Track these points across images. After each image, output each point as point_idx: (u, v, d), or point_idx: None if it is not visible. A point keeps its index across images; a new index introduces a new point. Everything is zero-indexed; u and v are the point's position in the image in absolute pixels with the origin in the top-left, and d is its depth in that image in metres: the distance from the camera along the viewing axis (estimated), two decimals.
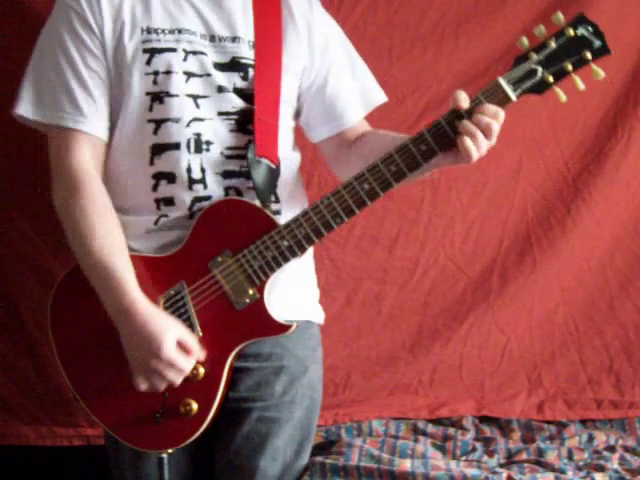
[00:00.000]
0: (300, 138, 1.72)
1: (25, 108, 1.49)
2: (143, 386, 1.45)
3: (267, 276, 1.47)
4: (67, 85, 1.47)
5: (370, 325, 2.13)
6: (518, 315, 2.16)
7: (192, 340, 1.45)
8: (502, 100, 1.40)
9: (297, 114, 1.65)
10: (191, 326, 1.47)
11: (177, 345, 1.43)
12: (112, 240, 1.46)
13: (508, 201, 2.15)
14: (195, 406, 1.47)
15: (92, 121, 1.48)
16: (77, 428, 1.99)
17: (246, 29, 1.55)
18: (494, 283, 2.15)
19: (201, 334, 1.47)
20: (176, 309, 1.47)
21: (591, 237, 2.16)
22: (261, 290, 1.47)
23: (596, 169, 2.14)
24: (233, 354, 1.48)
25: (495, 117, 1.39)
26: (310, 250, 1.67)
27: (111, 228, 1.47)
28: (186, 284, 1.48)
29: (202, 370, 1.47)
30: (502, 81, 1.40)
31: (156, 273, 1.48)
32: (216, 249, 1.47)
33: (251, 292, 1.47)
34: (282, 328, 1.48)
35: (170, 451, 1.50)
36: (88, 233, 1.45)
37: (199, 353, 1.45)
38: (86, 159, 1.48)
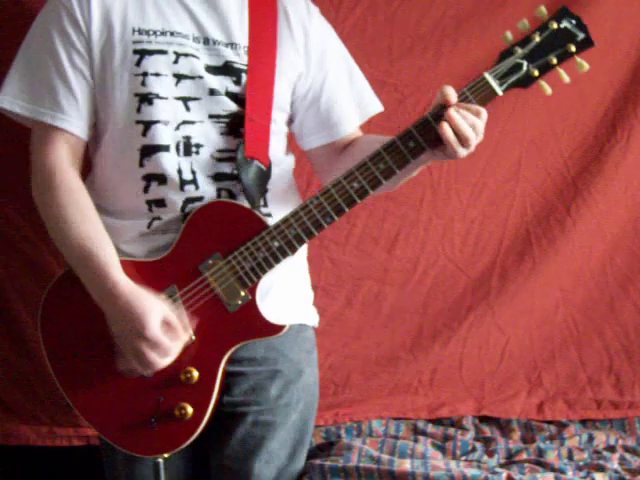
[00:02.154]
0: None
1: (7, 100, 1.48)
2: (123, 367, 1.45)
3: (258, 277, 1.46)
4: (50, 81, 1.47)
5: (370, 325, 2.13)
6: (518, 315, 2.16)
7: (177, 320, 1.43)
8: (488, 95, 1.41)
9: (290, 120, 1.64)
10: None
11: (163, 325, 1.41)
12: (90, 226, 1.46)
13: (508, 201, 2.15)
14: (190, 410, 1.46)
15: (71, 119, 1.48)
16: (77, 428, 1.98)
17: (242, 34, 1.54)
18: (494, 283, 2.15)
19: (194, 338, 1.47)
20: None
21: (591, 237, 2.16)
22: (253, 291, 1.47)
23: (596, 169, 2.14)
24: (227, 357, 1.48)
25: (478, 115, 1.40)
26: (303, 252, 1.67)
27: (88, 215, 1.47)
28: (177, 288, 1.47)
29: (196, 373, 1.47)
30: (488, 76, 1.41)
31: (147, 277, 1.47)
32: (206, 252, 1.47)
33: (243, 294, 1.47)
34: (275, 329, 1.48)
35: (166, 456, 1.49)
36: (66, 222, 1.45)
37: (184, 334, 1.44)
38: (63, 156, 1.48)
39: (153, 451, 1.49)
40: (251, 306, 1.47)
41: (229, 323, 1.47)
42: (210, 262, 1.47)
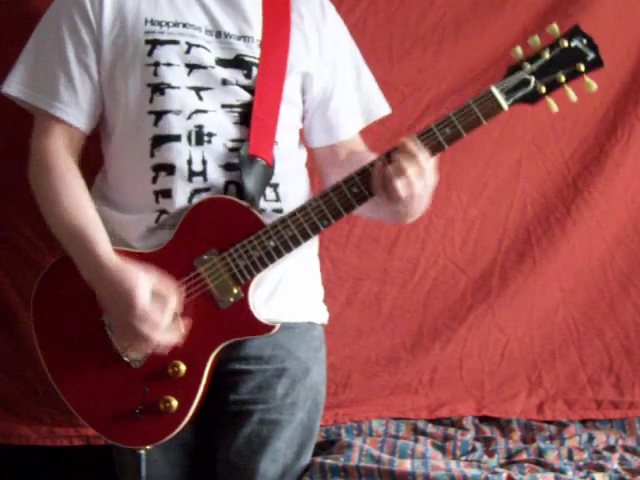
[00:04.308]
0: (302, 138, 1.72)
1: (11, 85, 1.52)
2: (124, 344, 1.45)
3: (252, 276, 1.47)
4: (53, 71, 1.50)
5: (370, 325, 2.13)
6: (518, 315, 2.16)
7: (166, 287, 1.43)
8: (493, 109, 1.41)
9: (302, 118, 1.66)
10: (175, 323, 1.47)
11: (153, 297, 1.41)
12: (80, 206, 1.48)
13: (508, 201, 2.14)
14: (175, 403, 1.47)
15: (68, 109, 1.50)
16: (77, 428, 1.98)
17: (255, 28, 1.55)
18: (494, 283, 2.15)
19: (184, 331, 1.47)
20: None
21: (591, 237, 2.15)
22: (245, 289, 1.47)
23: (596, 169, 2.14)
24: (215, 352, 1.48)
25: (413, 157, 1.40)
26: (314, 249, 1.68)
27: (78, 196, 1.49)
28: None
29: (183, 367, 1.47)
30: (495, 90, 1.41)
31: (141, 268, 1.47)
32: (202, 247, 1.47)
33: (235, 291, 1.47)
34: (265, 328, 1.48)
35: (148, 447, 1.50)
36: (56, 203, 1.48)
37: (174, 302, 1.43)
38: (58, 142, 1.51)
39: (135, 442, 1.50)
40: (243, 304, 1.47)
41: (220, 319, 1.48)
42: (205, 257, 1.47)
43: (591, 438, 2.00)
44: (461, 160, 2.10)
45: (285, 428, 1.59)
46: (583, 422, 2.12)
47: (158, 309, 1.41)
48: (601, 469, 1.77)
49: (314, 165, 1.74)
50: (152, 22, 1.50)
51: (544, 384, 2.16)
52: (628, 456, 1.89)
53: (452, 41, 2.06)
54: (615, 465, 1.81)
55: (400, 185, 1.39)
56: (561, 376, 2.16)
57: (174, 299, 1.43)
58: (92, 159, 1.62)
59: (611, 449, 1.93)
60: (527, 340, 2.16)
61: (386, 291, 2.13)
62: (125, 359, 1.49)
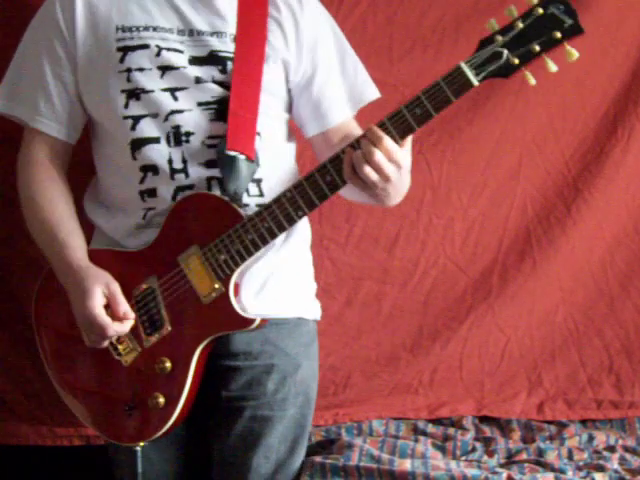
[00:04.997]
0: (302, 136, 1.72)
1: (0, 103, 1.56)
2: (87, 340, 1.49)
3: (232, 270, 1.47)
4: (32, 86, 1.54)
5: (370, 325, 2.13)
6: (518, 315, 2.16)
7: (119, 299, 1.46)
8: (464, 85, 1.36)
9: (289, 109, 1.65)
10: (161, 320, 1.49)
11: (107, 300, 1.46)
12: (55, 212, 1.53)
13: (508, 201, 2.14)
14: (162, 400, 1.48)
15: (48, 121, 1.54)
16: (77, 428, 1.99)
17: (228, 23, 1.55)
18: (494, 283, 2.15)
19: (170, 329, 1.48)
20: (147, 303, 1.50)
21: (591, 237, 2.15)
22: (227, 284, 1.47)
23: (596, 169, 2.13)
24: (200, 348, 1.49)
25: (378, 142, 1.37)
26: (306, 244, 1.68)
27: (54, 202, 1.54)
28: (157, 278, 1.49)
29: (169, 364, 1.48)
30: (464, 65, 1.36)
31: (129, 267, 1.51)
32: (185, 243, 1.49)
33: (217, 286, 1.47)
34: (246, 322, 1.48)
35: (142, 444, 1.51)
36: (34, 207, 1.54)
37: (122, 308, 1.46)
38: (40, 152, 1.55)
39: (129, 439, 1.52)
40: (224, 298, 1.48)
41: (203, 315, 1.48)
42: (187, 253, 1.48)
43: (591, 438, 2.00)
44: (461, 160, 2.10)
45: (277, 424, 1.60)
46: (583, 422, 2.12)
47: (108, 317, 1.45)
48: (601, 469, 1.78)
49: (316, 158, 1.74)
50: (123, 29, 1.51)
51: (544, 384, 2.16)
52: (628, 456, 1.89)
53: (452, 41, 2.06)
54: (615, 465, 1.81)
55: (368, 171, 1.37)
56: (561, 376, 2.17)
57: (123, 308, 1.47)
58: (86, 165, 1.64)
59: (611, 449, 1.93)
60: (527, 340, 2.16)
61: (386, 291, 2.13)
62: (116, 357, 1.50)
